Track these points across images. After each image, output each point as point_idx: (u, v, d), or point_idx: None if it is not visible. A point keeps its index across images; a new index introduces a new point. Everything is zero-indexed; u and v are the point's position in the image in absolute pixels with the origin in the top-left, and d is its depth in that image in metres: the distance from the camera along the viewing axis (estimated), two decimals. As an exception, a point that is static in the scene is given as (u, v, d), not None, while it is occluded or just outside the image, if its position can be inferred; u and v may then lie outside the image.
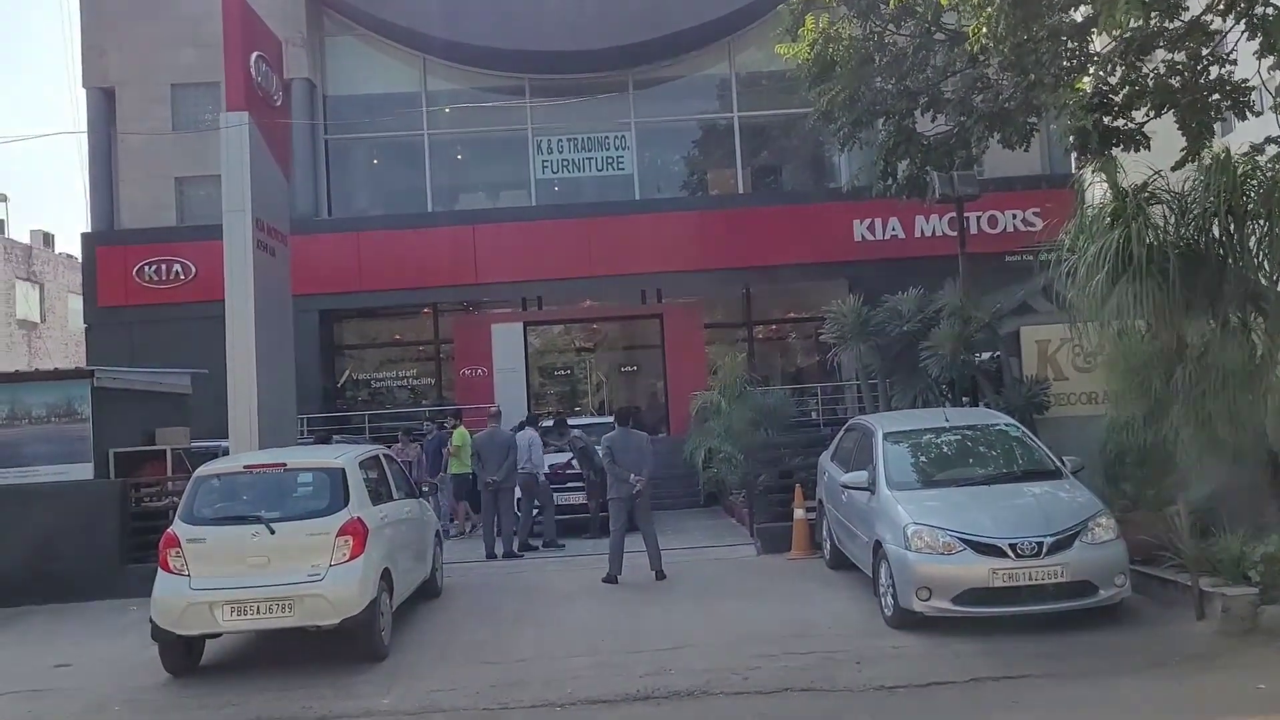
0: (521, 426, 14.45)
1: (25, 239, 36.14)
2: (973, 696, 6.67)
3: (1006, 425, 9.47)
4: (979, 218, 21.75)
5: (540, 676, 7.56)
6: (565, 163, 23.13)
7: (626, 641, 8.39)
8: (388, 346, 24.13)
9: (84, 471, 11.87)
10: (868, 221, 21.85)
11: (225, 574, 7.91)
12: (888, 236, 21.88)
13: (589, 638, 8.58)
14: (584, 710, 6.84)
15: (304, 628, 7.99)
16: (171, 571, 7.97)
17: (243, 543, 7.97)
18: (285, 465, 8.49)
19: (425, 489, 10.69)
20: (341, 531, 8.04)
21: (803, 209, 21.95)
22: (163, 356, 17.45)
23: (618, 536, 10.83)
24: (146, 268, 21.21)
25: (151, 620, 7.95)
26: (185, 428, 13.75)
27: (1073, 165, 23.36)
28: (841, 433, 10.75)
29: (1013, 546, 7.70)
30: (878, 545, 8.47)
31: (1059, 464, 8.88)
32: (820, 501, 10.96)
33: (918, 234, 21.81)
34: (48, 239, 38.28)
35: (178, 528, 8.11)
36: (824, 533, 10.87)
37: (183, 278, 21.05)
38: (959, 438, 9.34)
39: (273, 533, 7.95)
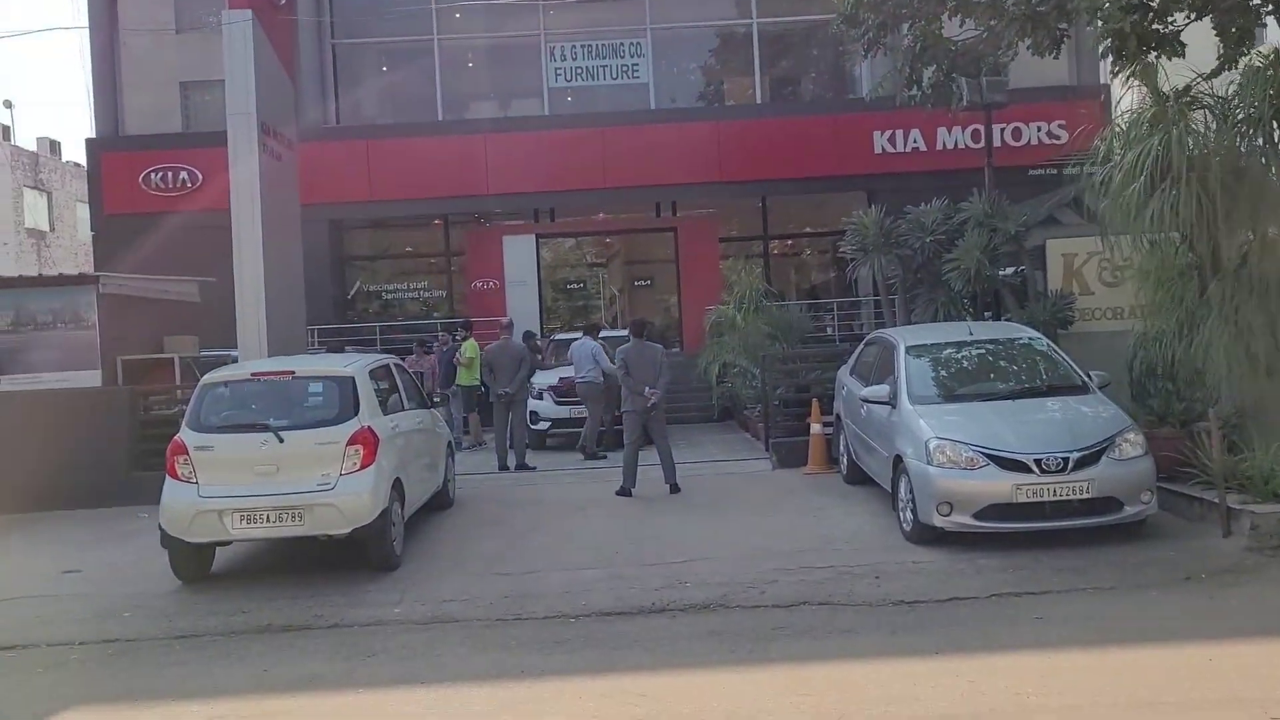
0: (582, 336, 14.27)
1: (32, 146, 35.74)
2: (995, 611, 6.54)
3: (1032, 339, 9.21)
4: (1003, 130, 21.10)
5: (554, 588, 7.47)
6: (579, 70, 22.49)
7: (641, 554, 8.29)
8: (398, 258, 23.84)
9: (92, 379, 11.76)
10: (888, 133, 21.29)
11: (234, 482, 7.80)
12: (909, 149, 21.34)
13: (603, 550, 8.48)
14: (598, 622, 6.74)
15: (315, 537, 7.89)
16: (179, 479, 7.85)
17: (251, 451, 7.83)
18: (294, 373, 8.31)
19: (437, 400, 10.51)
20: (351, 440, 7.90)
21: (822, 120, 21.40)
22: (171, 265, 17.19)
23: (631, 450, 10.69)
24: (153, 175, 20.88)
25: (160, 527, 7.86)
26: (194, 336, 13.60)
27: (1101, 75, 22.72)
28: (861, 346, 10.51)
29: (1038, 461, 7.51)
30: (898, 460, 8.29)
31: (1086, 379, 8.64)
32: (838, 416, 10.78)
33: (939, 146, 21.27)
34: (54, 147, 37.87)
35: (185, 435, 7.97)
36: (841, 447, 10.70)
37: (189, 185, 20.72)
38: (983, 352, 9.09)
39: (281, 441, 7.81)
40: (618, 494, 10.62)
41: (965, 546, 7.79)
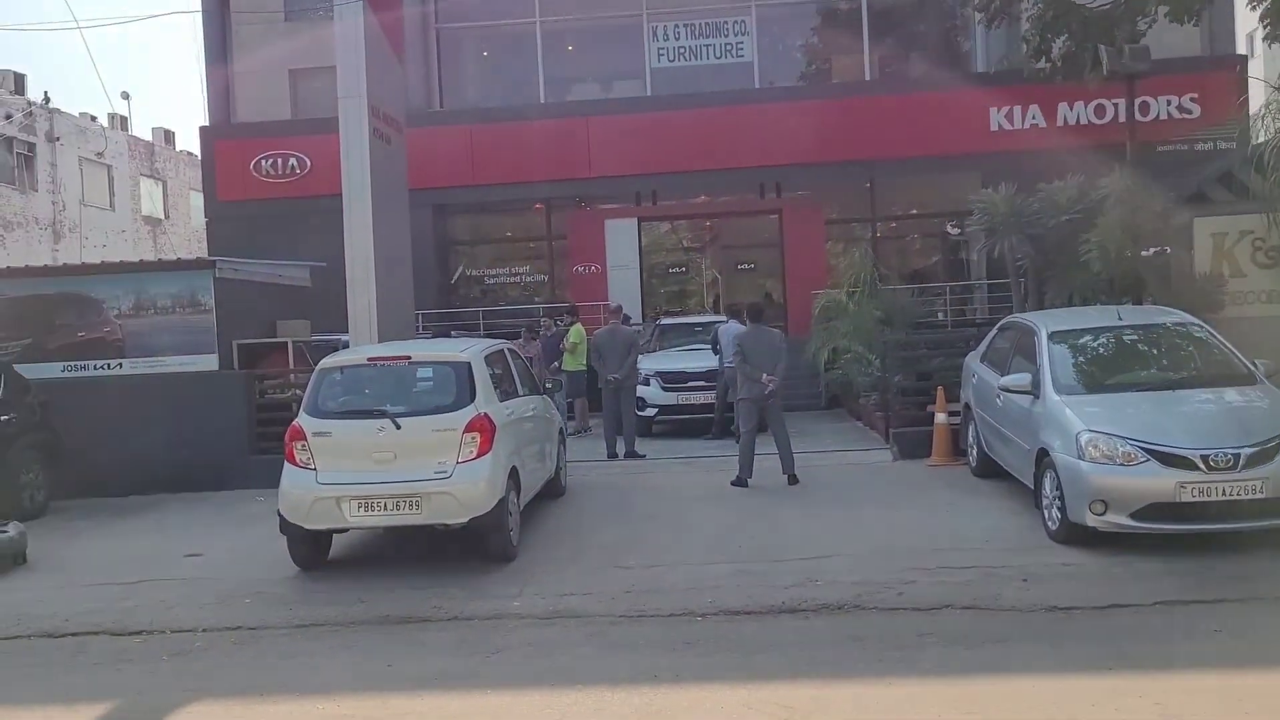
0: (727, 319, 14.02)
1: (147, 136, 36.83)
2: (1164, 622, 6.01)
3: (1187, 323, 8.53)
4: (1131, 104, 20.11)
5: (677, 583, 7.16)
6: (682, 50, 22.09)
7: (766, 549, 7.92)
8: (500, 242, 23.79)
9: (209, 362, 11.86)
10: (1005, 109, 20.36)
11: (352, 469, 7.67)
12: (1027, 125, 20.38)
13: (725, 543, 8.14)
14: (728, 622, 6.41)
15: (432, 526, 7.72)
16: (298, 465, 7.76)
17: (369, 437, 7.69)
18: (409, 358, 8.15)
19: (549, 385, 10.29)
20: (469, 428, 7.69)
21: (933, 96, 20.53)
22: (281, 250, 17.39)
23: (748, 439, 10.31)
24: (263, 161, 21.17)
25: (279, 513, 7.78)
26: (305, 321, 13.66)
27: (1238, 44, 21.46)
28: (994, 332, 9.93)
29: (1204, 458, 6.90)
30: (1042, 454, 7.75)
31: (1250, 367, 7.96)
32: (966, 405, 10.22)
33: (1060, 122, 20.27)
34: (169, 136, 38.98)
35: (303, 420, 7.87)
36: (970, 438, 10.15)
37: (298, 171, 20.96)
38: (1135, 337, 8.46)
39: (399, 428, 7.65)
40: (733, 484, 10.27)
41: (1118, 548, 7.23)
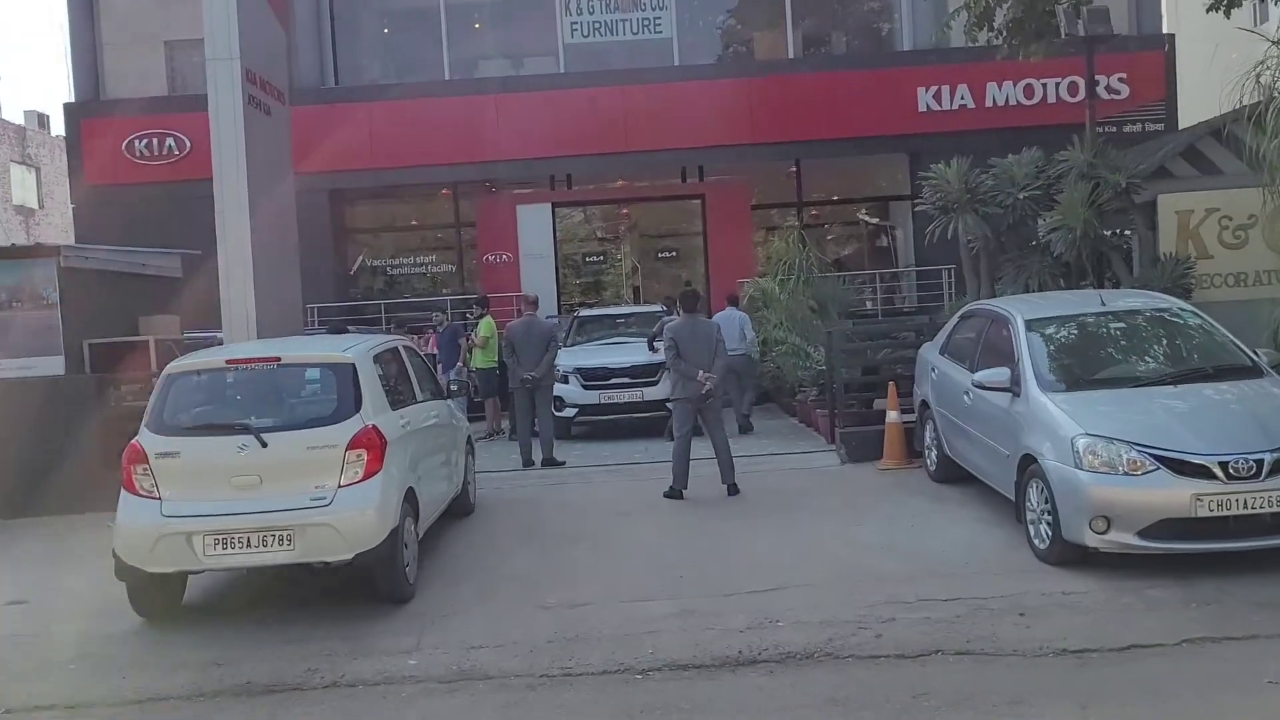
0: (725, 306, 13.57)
1: (19, 120, 34.09)
2: (1200, 668, 4.98)
3: (1180, 309, 7.59)
4: (1058, 85, 19.53)
5: (610, 627, 5.92)
6: (597, 25, 20.73)
7: (712, 578, 6.72)
8: (404, 230, 22.18)
9: (54, 365, 10.20)
10: (933, 89, 19.58)
11: (206, 497, 6.25)
12: (955, 106, 19.61)
13: (664, 572, 6.91)
14: (675, 680, 5.19)
15: (308, 565, 6.33)
16: (139, 493, 6.30)
17: (227, 458, 6.27)
18: (280, 359, 6.71)
19: (453, 387, 8.94)
20: (353, 443, 6.33)
21: (860, 75, 19.68)
22: (158, 240, 15.59)
23: (682, 444, 9.12)
24: (137, 142, 19.26)
25: (115, 554, 6.31)
26: (174, 316, 12.02)
27: (1165, 24, 21.01)
28: (955, 320, 8.90)
29: (1223, 465, 5.92)
30: (1027, 460, 6.71)
31: (1255, 358, 7.05)
32: (923, 403, 9.19)
33: (989, 103, 19.55)
34: (43, 120, 36.17)
35: (144, 438, 6.41)
36: (927, 439, 9.12)
37: (177, 153, 19.10)
38: (1122, 325, 7.47)
39: (264, 445, 6.25)
40: (666, 495, 9.08)
41: (1120, 570, 6.22)
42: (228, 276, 10.47)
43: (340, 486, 6.27)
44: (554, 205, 20.39)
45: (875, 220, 22.26)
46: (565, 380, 12.64)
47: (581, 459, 11.37)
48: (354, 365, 6.64)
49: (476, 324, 13.91)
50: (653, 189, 21.45)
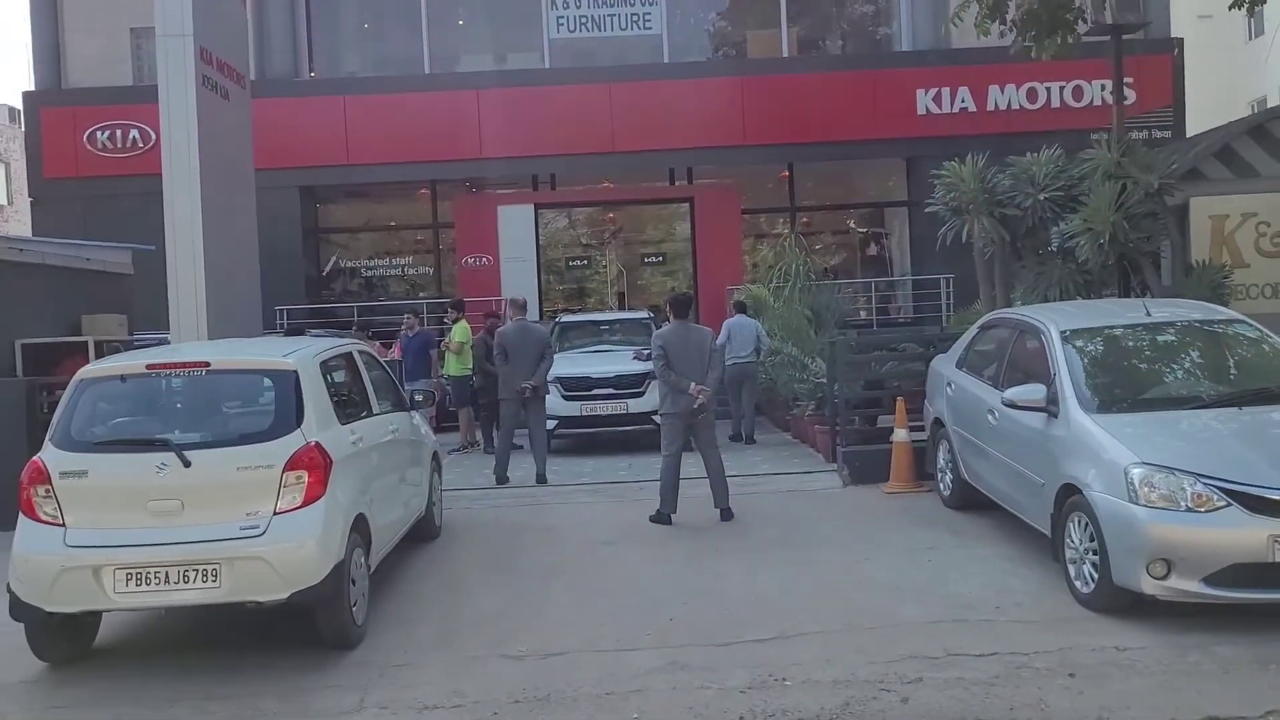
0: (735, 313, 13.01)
1: (-15, 113, 33.04)
2: (1300, 753, 4.15)
3: (1234, 320, 6.77)
4: (1062, 89, 18.87)
5: (588, 684, 5.04)
6: (584, 20, 19.90)
7: (706, 623, 5.85)
8: (380, 231, 21.25)
9: (-20, 368, 9.25)
10: (933, 92, 18.86)
11: (118, 524, 5.34)
12: (956, 109, 18.90)
13: (652, 614, 6.03)
14: (665, 758, 4.32)
15: (239, 604, 5.43)
16: (39, 519, 5.39)
17: (144, 479, 5.36)
18: (209, 365, 5.80)
19: (419, 397, 8.04)
20: (293, 463, 5.44)
21: (855, 76, 18.98)
22: (120, 237, 14.63)
23: (671, 464, 8.27)
24: (98, 133, 18.29)
25: (9, 589, 5.39)
26: (121, 315, 11.06)
27: (1173, 28, 20.32)
28: (974, 331, 8.07)
29: (1307, 502, 5.09)
30: (1067, 490, 5.88)
31: (1323, 377, 6.24)
32: (936, 421, 8.35)
33: (991, 107, 18.85)
34: (13, 114, 35.07)
35: (47, 455, 5.50)
36: (940, 461, 8.29)
37: (140, 145, 18.11)
38: (1173, 338, 6.64)
39: (188, 465, 5.35)
40: (653, 520, 8.22)
41: (1179, 620, 5.39)
42: (176, 272, 9.60)
43: (276, 513, 5.37)
44: (537, 207, 19.53)
45: (868, 228, 21.53)
46: (546, 391, 11.76)
47: (561, 476, 10.48)
48: (296, 373, 5.75)
49: (451, 329, 13.01)
50: (640, 191, 20.62)
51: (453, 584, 6.86)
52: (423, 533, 7.86)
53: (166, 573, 5.27)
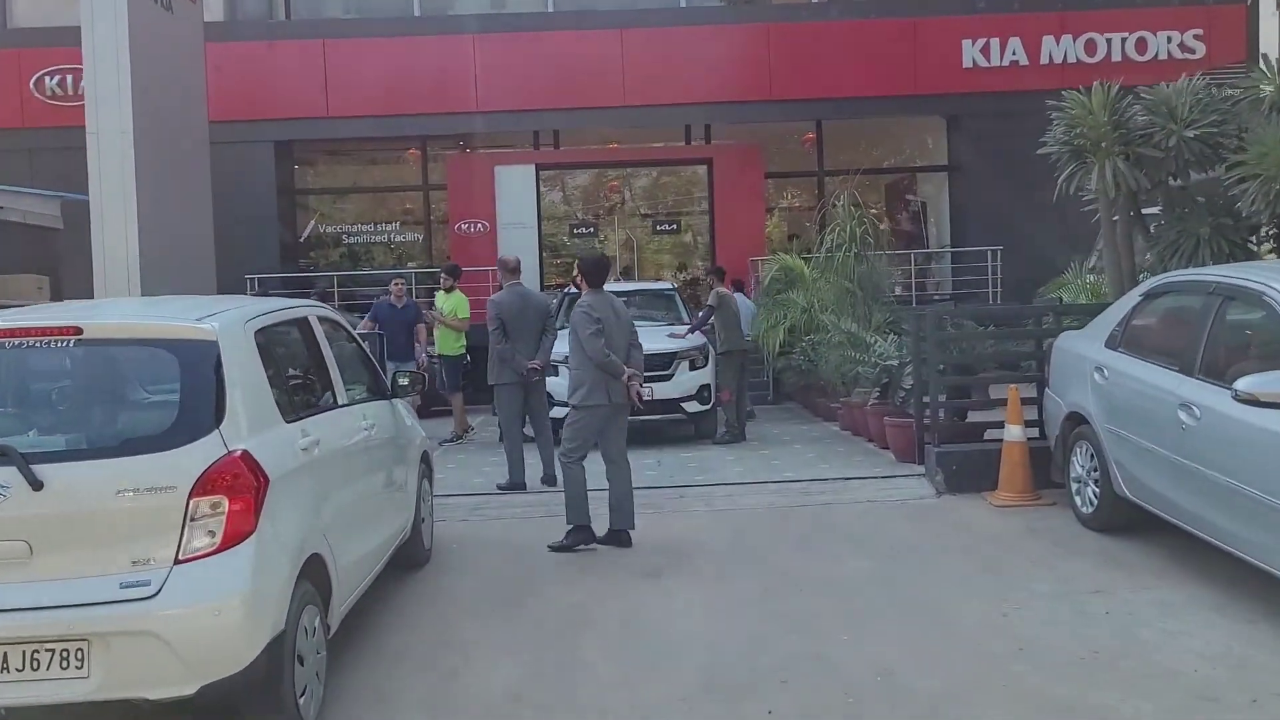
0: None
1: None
2: None
3: None
4: (1124, 40, 17.03)
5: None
6: (593, -43, 17.98)
7: (818, 709, 3.98)
8: (364, 192, 19.28)
9: None
10: (980, 43, 16.97)
11: (-70, 578, 3.44)
12: (1006, 63, 17.01)
13: (738, 700, 4.12)
14: None
15: (118, 702, 3.54)
16: None
17: (-29, 508, 3.47)
18: (80, 331, 3.85)
19: (403, 381, 6.10)
20: (206, 484, 3.55)
21: (895, 24, 17.09)
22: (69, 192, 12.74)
23: (578, 471, 6.51)
24: (47, 78, 16.30)
25: None
26: (42, 277, 9.12)
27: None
28: (1136, 300, 6.18)
29: None
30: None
31: None
32: (1071, 416, 6.48)
33: (1045, 59, 17.00)
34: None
35: None
36: (1077, 469, 6.44)
37: (93, 92, 16.06)
38: None
39: (38, 486, 3.45)
40: (554, 549, 6.36)
41: None
42: (101, 216, 7.70)
43: (178, 562, 3.49)
44: (538, 167, 17.58)
45: (901, 196, 19.64)
46: (554, 372, 9.87)
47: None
48: (216, 345, 3.82)
49: (447, 297, 11.07)
50: (652, 151, 18.70)
51: (445, 639, 4.97)
52: (407, 558, 5.98)
53: (4, 655, 3.38)
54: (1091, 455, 6.24)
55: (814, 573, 5.74)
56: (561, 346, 8.74)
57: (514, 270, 8.53)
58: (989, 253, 16.59)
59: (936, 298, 17.30)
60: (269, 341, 4.24)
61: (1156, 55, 16.94)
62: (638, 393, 6.53)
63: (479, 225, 17.13)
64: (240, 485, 3.60)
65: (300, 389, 4.62)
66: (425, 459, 6.44)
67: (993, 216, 16.82)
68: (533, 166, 17.44)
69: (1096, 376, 6.14)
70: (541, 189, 17.66)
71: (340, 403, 4.90)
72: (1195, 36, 17.00)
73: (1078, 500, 6.46)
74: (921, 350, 7.82)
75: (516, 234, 16.85)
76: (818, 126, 18.13)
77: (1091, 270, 11.69)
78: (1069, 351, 6.66)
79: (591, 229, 19.02)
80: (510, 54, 16.69)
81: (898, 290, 16.85)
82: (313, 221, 18.63)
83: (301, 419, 4.29)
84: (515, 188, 17.17)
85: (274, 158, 16.97)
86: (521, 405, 8.24)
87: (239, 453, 3.66)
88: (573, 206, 19.58)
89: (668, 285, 13.07)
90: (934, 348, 7.62)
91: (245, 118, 16.19)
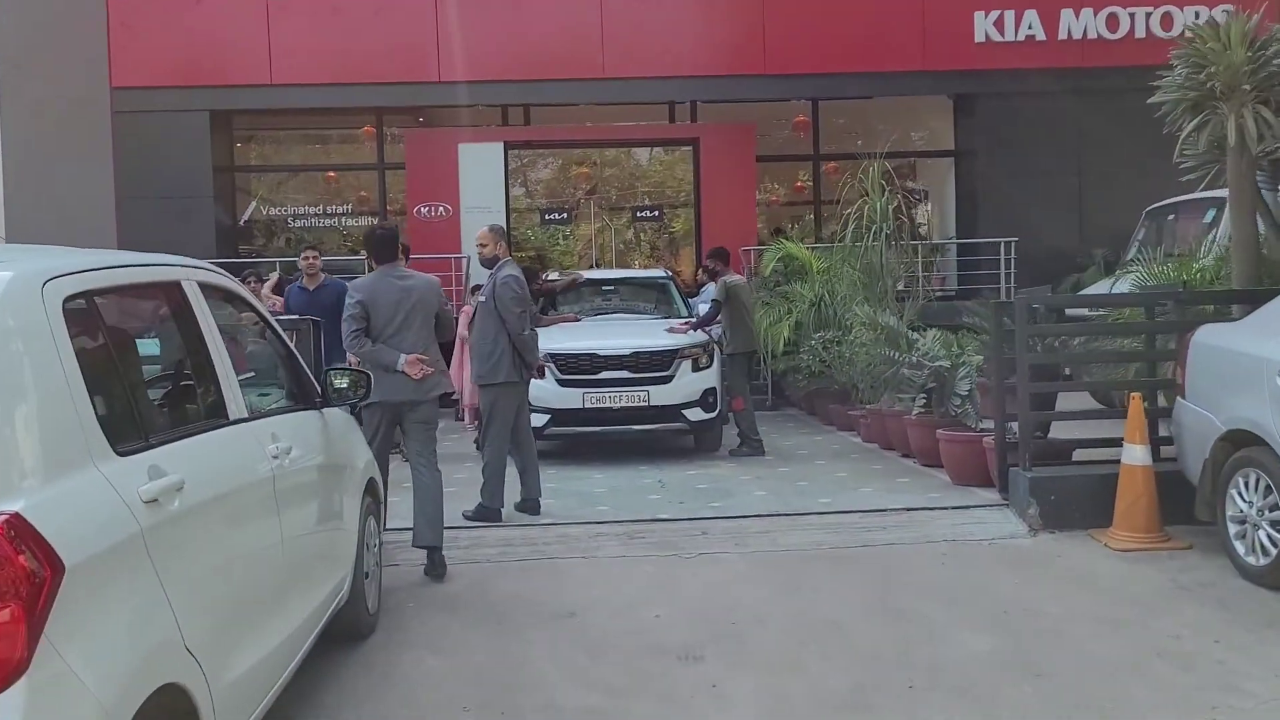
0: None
1: None
2: None
3: None
4: (1149, 15, 15.61)
5: None
6: (567, -86, 16.25)
7: None
8: (311, 170, 17.40)
9: None
10: (994, 15, 15.49)
11: None
12: (1022, 37, 15.54)
13: None
14: None
15: None
16: None
17: None
18: None
19: (341, 384, 4.36)
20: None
21: (901, -9, 15.54)
22: None
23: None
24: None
25: None
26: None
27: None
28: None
29: None
30: None
31: None
32: (1230, 436, 4.92)
33: (1064, 35, 15.53)
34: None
35: None
36: (1240, 506, 4.87)
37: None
38: None
39: None
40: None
41: None
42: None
43: None
44: (507, 145, 15.82)
45: (904, 182, 18.15)
46: (539, 374, 8.16)
47: (563, 502, 6.90)
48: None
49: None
50: (633, 130, 17.01)
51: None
52: (345, 627, 4.28)
53: None
54: (1268, 488, 4.67)
55: (919, 656, 4.08)
56: (550, 342, 7.10)
57: (499, 233, 6.97)
58: (1001, 245, 15.13)
59: (939, 294, 15.84)
60: (94, 317, 2.50)
61: (1183, 32, 15.50)
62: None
63: (440, 209, 15.37)
64: (7, 580, 1.89)
65: (157, 397, 2.89)
66: (371, 489, 4.72)
67: (1003, 206, 15.43)
68: (500, 145, 15.68)
69: (1272, 378, 4.56)
70: (510, 169, 15.94)
71: (234, 416, 3.16)
72: (1224, 11, 15.63)
73: (1239, 546, 4.90)
74: (1003, 351, 6.19)
75: (482, 218, 15.00)
76: (813, 107, 16.56)
77: (1122, 267, 10.25)
78: (1225, 350, 5.09)
79: (564, 215, 17.33)
80: (477, 18, 14.96)
81: (901, 285, 15.42)
82: (254, 202, 16.75)
83: (151, 448, 2.55)
84: (481, 168, 15.42)
85: (210, 130, 15.05)
86: (512, 411, 6.52)
87: (7, 517, 1.93)
88: (543, 190, 17.91)
89: (662, 273, 11.42)
90: (1024, 346, 6.00)
91: (174, 83, 14.35)
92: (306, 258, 9.11)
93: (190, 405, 3.07)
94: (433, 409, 5.69)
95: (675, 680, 3.93)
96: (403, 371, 5.41)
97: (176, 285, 3.01)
